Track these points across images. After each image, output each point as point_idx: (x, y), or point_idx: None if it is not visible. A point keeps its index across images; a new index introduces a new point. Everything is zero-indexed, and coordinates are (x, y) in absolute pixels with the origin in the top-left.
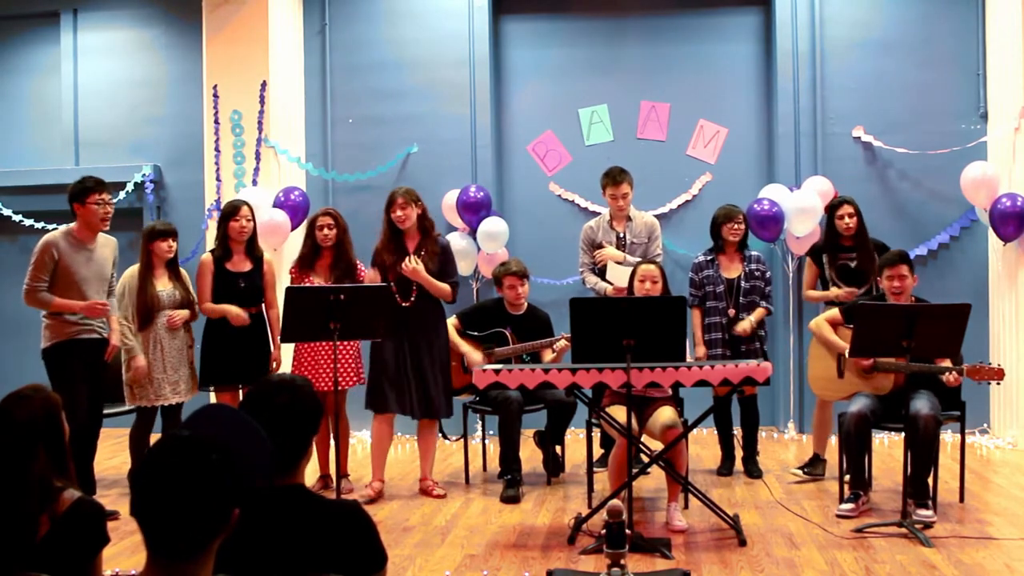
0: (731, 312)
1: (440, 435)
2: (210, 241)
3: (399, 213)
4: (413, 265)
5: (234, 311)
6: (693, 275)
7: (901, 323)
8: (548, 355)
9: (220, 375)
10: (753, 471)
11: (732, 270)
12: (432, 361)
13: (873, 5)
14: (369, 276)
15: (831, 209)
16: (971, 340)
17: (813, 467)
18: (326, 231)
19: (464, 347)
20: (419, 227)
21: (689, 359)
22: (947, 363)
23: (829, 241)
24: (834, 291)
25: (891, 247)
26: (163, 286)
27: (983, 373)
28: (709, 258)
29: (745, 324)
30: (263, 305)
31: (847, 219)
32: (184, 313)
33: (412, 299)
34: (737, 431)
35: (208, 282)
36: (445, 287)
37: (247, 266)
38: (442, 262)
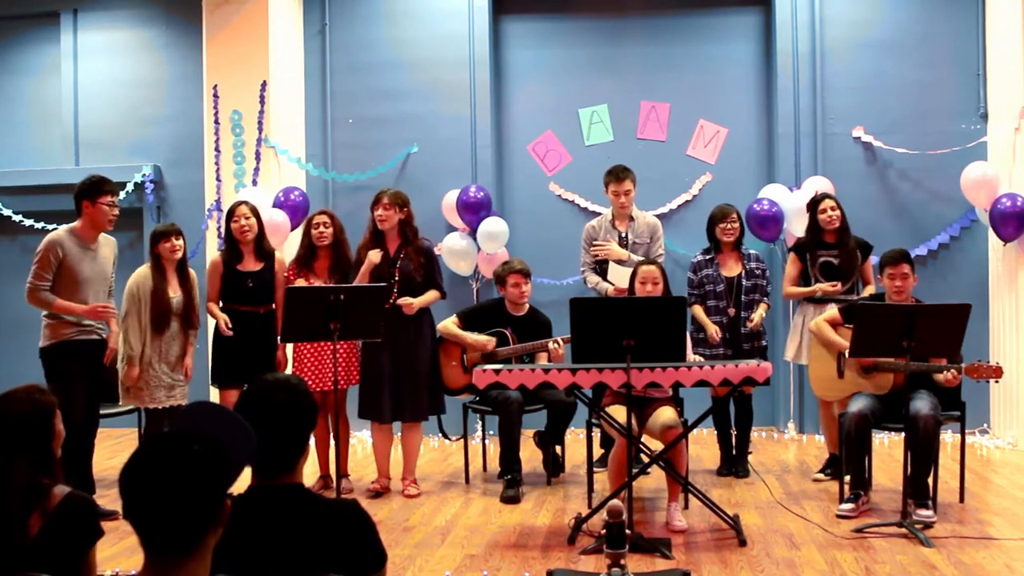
0: (731, 312)
1: (440, 435)
2: (210, 240)
3: (380, 212)
4: (408, 301)
5: (221, 319)
6: (691, 275)
7: (901, 323)
8: (543, 357)
9: (227, 374)
10: (740, 471)
11: (732, 269)
12: (419, 362)
13: (873, 5)
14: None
15: (813, 204)
16: (971, 340)
17: (834, 467)
18: (322, 229)
19: (470, 337)
20: (400, 231)
21: (692, 356)
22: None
23: (812, 237)
24: (819, 286)
25: (890, 247)
26: (174, 292)
27: (981, 371)
28: (708, 257)
29: (755, 317)
30: (274, 304)
31: (830, 212)
32: (193, 341)
33: (392, 301)
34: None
35: (216, 283)
36: (434, 296)
37: (257, 266)
38: (427, 269)
